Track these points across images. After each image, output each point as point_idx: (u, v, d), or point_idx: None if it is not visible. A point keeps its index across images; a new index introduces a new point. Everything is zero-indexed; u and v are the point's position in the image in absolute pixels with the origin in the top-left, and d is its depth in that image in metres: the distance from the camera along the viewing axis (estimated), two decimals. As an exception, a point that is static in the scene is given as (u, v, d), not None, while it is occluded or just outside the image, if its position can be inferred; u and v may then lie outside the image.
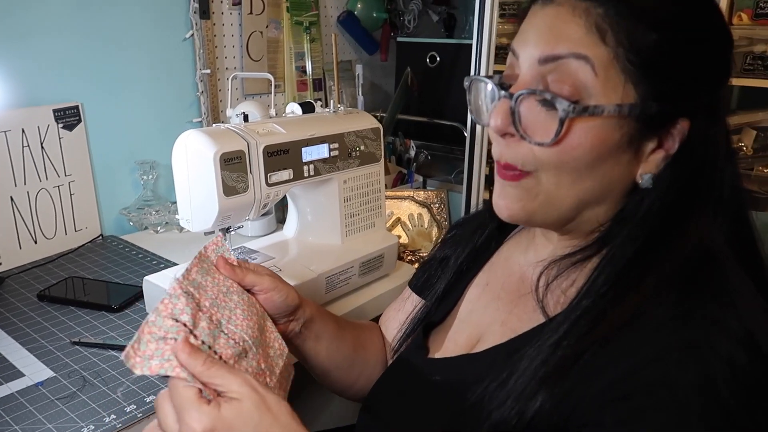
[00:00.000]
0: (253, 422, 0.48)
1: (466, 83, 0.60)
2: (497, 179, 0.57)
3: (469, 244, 0.73)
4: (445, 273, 0.73)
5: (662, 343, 0.47)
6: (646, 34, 0.49)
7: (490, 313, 0.65)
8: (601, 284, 0.52)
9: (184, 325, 0.54)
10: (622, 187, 0.55)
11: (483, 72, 1.27)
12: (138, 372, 0.50)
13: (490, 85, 0.56)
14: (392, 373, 0.72)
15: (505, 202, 0.56)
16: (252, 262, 0.98)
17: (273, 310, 0.67)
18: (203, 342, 0.54)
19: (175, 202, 1.38)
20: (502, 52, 1.74)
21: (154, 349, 0.51)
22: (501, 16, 1.77)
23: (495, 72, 1.33)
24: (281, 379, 0.63)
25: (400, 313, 0.80)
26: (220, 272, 0.64)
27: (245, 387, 0.49)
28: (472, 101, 0.60)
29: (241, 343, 0.56)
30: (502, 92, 0.53)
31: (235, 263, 0.66)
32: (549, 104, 0.51)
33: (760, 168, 1.45)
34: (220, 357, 0.54)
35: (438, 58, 1.77)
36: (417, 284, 0.81)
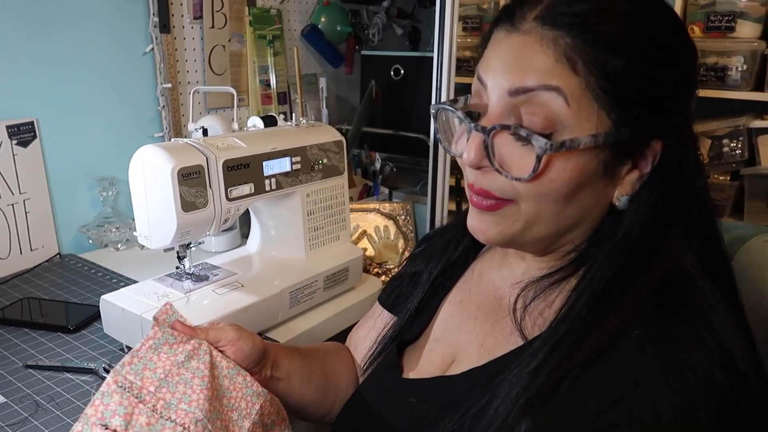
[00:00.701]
0: None
1: (432, 111, 0.59)
2: (471, 206, 0.56)
3: (442, 259, 0.71)
4: (418, 289, 0.72)
5: (644, 367, 0.47)
6: (615, 61, 0.49)
7: (465, 333, 0.63)
8: (581, 306, 0.51)
9: (114, 431, 0.51)
10: (600, 210, 0.55)
11: (445, 85, 1.29)
12: None
13: (459, 117, 0.54)
14: (364, 392, 0.70)
15: (482, 227, 0.56)
16: (213, 278, 0.97)
17: (244, 360, 0.65)
18: None
19: (136, 219, 1.36)
20: (464, 65, 1.77)
21: None
22: (463, 29, 1.81)
23: (456, 84, 1.35)
24: (269, 418, 0.63)
25: (372, 331, 0.78)
26: (179, 336, 0.61)
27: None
28: (439, 129, 0.59)
29: (191, 426, 0.54)
30: (473, 125, 0.52)
31: (191, 326, 0.64)
32: (524, 140, 0.50)
33: (716, 176, 1.49)
34: None
35: (402, 71, 1.78)
36: (388, 301, 0.79)
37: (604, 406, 0.46)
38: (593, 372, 0.48)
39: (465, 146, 0.53)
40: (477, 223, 0.56)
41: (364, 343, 0.79)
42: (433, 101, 1.34)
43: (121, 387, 0.53)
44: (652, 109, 0.51)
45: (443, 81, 1.28)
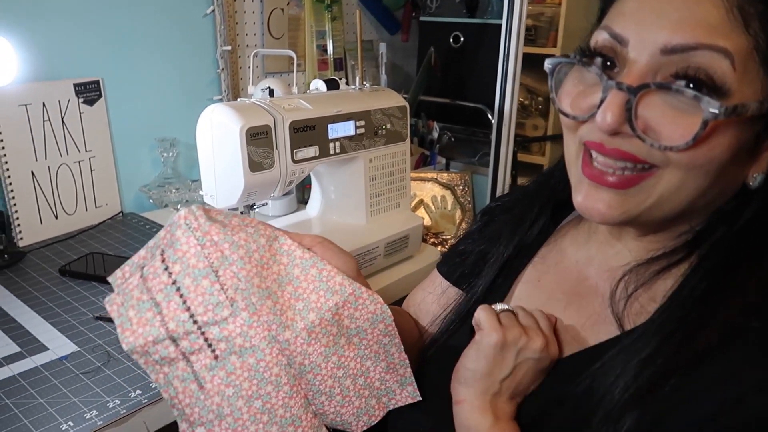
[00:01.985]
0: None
1: (548, 65, 0.50)
2: (588, 179, 0.48)
3: (514, 239, 0.65)
4: (488, 269, 0.66)
5: (766, 367, 0.42)
6: None
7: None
8: (697, 293, 0.46)
9: (163, 261, 0.50)
10: (733, 188, 0.48)
11: (513, 54, 1.24)
12: (116, 290, 0.50)
13: (594, 71, 0.46)
14: (438, 372, 0.63)
15: (599, 206, 0.47)
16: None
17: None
18: (174, 282, 0.49)
19: (196, 180, 1.37)
20: (526, 34, 1.70)
21: (126, 282, 0.50)
22: (529, -5, 1.74)
23: (525, 54, 1.30)
24: (353, 323, 0.56)
25: (435, 305, 0.73)
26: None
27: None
28: (555, 87, 0.51)
29: (229, 290, 0.50)
30: (613, 83, 0.44)
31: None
32: (686, 102, 0.42)
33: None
34: (187, 305, 0.50)
35: (462, 38, 1.73)
36: (453, 275, 0.73)
37: (720, 408, 0.42)
38: (707, 367, 0.44)
39: (594, 104, 0.45)
40: (593, 202, 0.48)
41: (426, 316, 0.75)
42: (500, 71, 1.29)
43: (187, 225, 0.51)
44: None
45: (511, 50, 1.23)
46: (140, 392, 0.71)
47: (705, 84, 0.42)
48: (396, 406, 0.60)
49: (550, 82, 0.51)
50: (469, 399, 0.54)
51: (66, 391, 0.71)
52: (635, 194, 0.46)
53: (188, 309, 0.50)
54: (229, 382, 0.51)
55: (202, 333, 0.50)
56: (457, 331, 0.65)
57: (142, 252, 0.52)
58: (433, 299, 0.74)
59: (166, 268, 0.50)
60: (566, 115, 0.49)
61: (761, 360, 0.43)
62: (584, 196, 0.49)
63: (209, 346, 0.50)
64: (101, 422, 0.66)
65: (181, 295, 0.50)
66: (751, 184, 0.47)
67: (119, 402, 0.69)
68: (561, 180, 0.60)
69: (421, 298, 0.77)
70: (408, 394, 0.60)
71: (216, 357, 0.50)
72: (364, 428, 0.58)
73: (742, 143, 0.44)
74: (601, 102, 0.45)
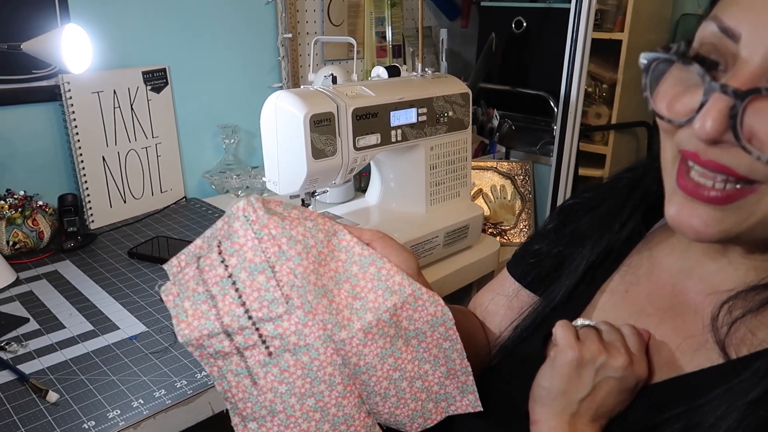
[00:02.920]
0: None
1: (643, 60, 0.45)
2: (684, 190, 0.43)
3: (601, 243, 0.59)
4: (569, 275, 0.60)
5: None
6: None
7: None
8: None
9: (219, 253, 0.49)
10: None
11: (581, 40, 1.19)
12: (171, 278, 0.50)
13: (696, 71, 0.41)
14: (508, 378, 0.61)
15: (696, 223, 0.42)
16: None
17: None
18: (230, 275, 0.49)
19: (256, 167, 1.39)
20: (594, 19, 1.64)
21: (182, 272, 0.49)
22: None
23: (592, 40, 1.24)
24: (413, 325, 0.54)
25: (506, 308, 0.68)
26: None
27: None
28: (650, 85, 0.45)
29: (285, 287, 0.49)
30: (717, 86, 0.39)
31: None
32: None
33: None
34: (242, 300, 0.49)
35: (524, 24, 1.68)
36: (526, 278, 0.68)
37: None
38: None
39: (693, 107, 0.41)
40: (687, 217, 0.43)
41: (495, 318, 0.70)
42: (567, 58, 1.24)
43: (245, 217, 0.50)
44: None
45: (579, 35, 1.18)
46: (205, 374, 0.72)
47: None
48: (456, 413, 0.58)
49: (644, 79, 0.45)
50: (545, 419, 0.51)
51: (136, 370, 0.73)
52: (735, 211, 0.42)
53: (243, 304, 0.49)
54: (282, 379, 0.50)
55: (257, 329, 0.49)
56: (529, 338, 0.61)
57: (198, 241, 0.51)
58: (503, 302, 0.69)
59: (222, 261, 0.50)
60: (661, 117, 0.44)
61: None
62: (678, 209, 0.44)
63: (263, 342, 0.50)
64: (169, 401, 0.68)
65: (237, 290, 0.49)
66: None
67: (186, 383, 0.71)
68: (656, 180, 0.53)
69: (490, 300, 0.72)
70: (469, 402, 0.57)
71: (270, 354, 0.50)
72: (419, 430, 0.57)
73: None
74: (702, 106, 0.40)
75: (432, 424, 0.57)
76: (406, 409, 0.55)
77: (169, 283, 0.51)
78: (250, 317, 0.49)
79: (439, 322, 0.54)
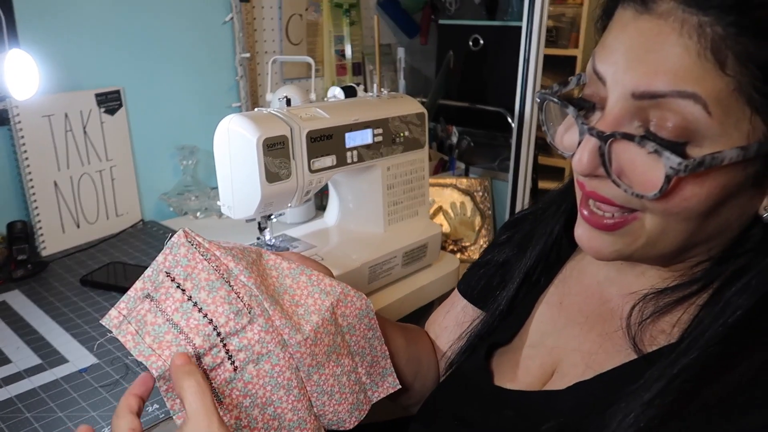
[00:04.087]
0: None
1: (537, 100, 0.50)
2: (582, 217, 0.49)
3: (535, 249, 0.63)
4: (509, 284, 0.64)
5: None
6: None
7: (568, 340, 0.57)
8: (711, 334, 0.43)
9: (173, 280, 0.50)
10: (740, 223, 0.47)
11: (533, 57, 1.22)
12: (114, 331, 0.50)
13: (571, 113, 0.46)
14: (451, 392, 0.64)
15: (594, 245, 0.48)
16: (293, 250, 0.96)
17: None
18: (190, 298, 0.51)
19: (215, 188, 1.37)
20: (548, 36, 1.68)
21: (135, 310, 0.50)
22: (549, -3, 1.71)
23: (546, 56, 1.27)
24: (345, 321, 0.59)
25: (454, 323, 0.72)
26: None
27: (197, 405, 0.47)
28: (545, 121, 0.51)
29: (244, 297, 0.52)
30: (586, 128, 0.44)
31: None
32: (653, 154, 0.42)
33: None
34: (209, 318, 0.51)
35: (481, 41, 1.71)
36: (472, 293, 0.72)
37: None
38: (728, 412, 0.41)
39: (573, 144, 0.45)
40: (588, 241, 0.49)
41: (444, 334, 0.74)
42: (520, 74, 1.27)
43: (189, 242, 0.52)
44: None
45: (531, 52, 1.21)
46: (157, 407, 0.71)
47: (673, 134, 0.41)
48: (379, 398, 0.63)
49: (540, 115, 0.50)
50: None
51: (85, 405, 0.71)
52: (623, 235, 0.47)
53: (211, 321, 0.50)
54: (246, 392, 0.52)
55: (224, 345, 0.51)
56: (474, 353, 0.64)
57: (138, 284, 0.52)
58: (451, 318, 0.73)
59: (178, 286, 0.51)
60: (555, 148, 0.49)
61: None
62: (580, 233, 0.50)
63: (229, 358, 0.51)
64: (119, 437, 0.66)
65: (200, 309, 0.50)
66: (764, 215, 0.45)
67: (137, 416, 0.69)
68: None
69: (442, 317, 0.76)
70: (389, 384, 0.64)
71: (235, 369, 0.52)
72: (356, 423, 0.61)
73: (730, 188, 0.42)
74: (579, 143, 0.45)
75: (364, 415, 0.62)
76: (346, 404, 0.59)
77: (124, 322, 0.51)
78: (218, 333, 0.51)
79: (364, 314, 0.61)
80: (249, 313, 0.52)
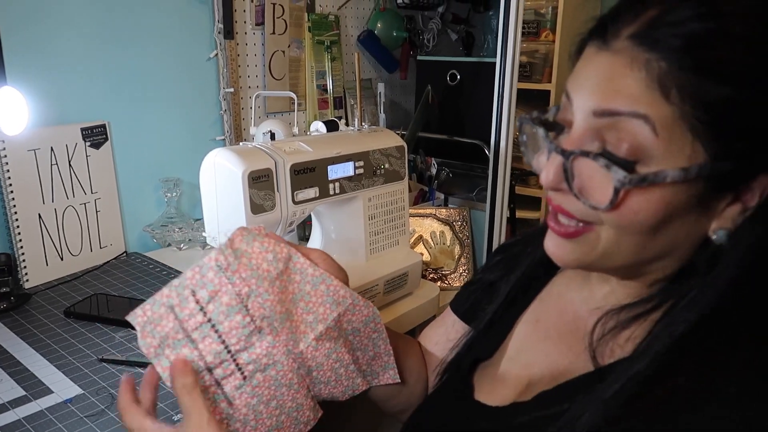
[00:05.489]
0: None
1: (517, 123, 0.56)
2: (550, 229, 0.54)
3: (518, 270, 0.68)
4: (494, 302, 0.69)
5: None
6: (718, 90, 0.44)
7: (540, 355, 0.61)
8: (657, 349, 0.48)
9: (197, 302, 0.55)
10: (690, 242, 0.51)
11: (507, 91, 1.27)
12: (138, 329, 0.54)
13: (541, 134, 0.52)
14: (436, 407, 0.68)
15: (558, 252, 0.54)
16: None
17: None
18: (210, 320, 0.55)
19: (198, 219, 1.40)
20: (521, 71, 1.75)
21: (159, 315, 0.55)
22: (521, 34, 1.79)
23: (520, 90, 1.33)
24: (350, 325, 0.65)
25: (445, 339, 0.76)
26: (267, 238, 0.62)
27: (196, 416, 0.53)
28: (524, 142, 0.56)
29: (257, 320, 0.57)
30: (553, 146, 0.50)
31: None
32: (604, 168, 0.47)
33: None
34: (222, 339, 0.56)
35: (458, 76, 1.78)
36: (461, 309, 0.77)
37: None
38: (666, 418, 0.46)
39: (544, 163, 0.51)
40: (553, 248, 0.54)
41: (435, 349, 0.78)
42: (495, 107, 1.33)
43: (218, 266, 0.56)
44: (759, 141, 0.45)
45: (505, 87, 1.26)
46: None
47: (626, 152, 0.46)
48: (378, 384, 0.70)
49: (521, 137, 0.56)
50: None
51: (70, 435, 0.71)
52: (581, 244, 0.52)
53: (223, 342, 0.56)
54: (254, 394, 0.58)
55: (234, 360, 0.57)
56: (459, 367, 0.68)
57: (165, 290, 0.56)
58: (443, 334, 0.77)
59: (201, 309, 0.56)
60: (531, 167, 0.55)
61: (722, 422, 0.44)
62: (548, 241, 0.55)
63: (239, 369, 0.57)
64: (105, 466, 0.66)
65: (216, 331, 0.56)
66: (713, 238, 0.49)
67: (122, 445, 0.70)
68: None
69: (434, 332, 0.81)
70: (390, 376, 0.70)
71: (244, 377, 0.57)
72: (348, 398, 0.68)
73: (675, 206, 0.47)
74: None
75: (359, 392, 0.69)
76: (341, 386, 0.66)
77: (147, 337, 0.56)
78: (229, 351, 0.57)
79: (370, 320, 0.67)
80: (259, 333, 0.57)
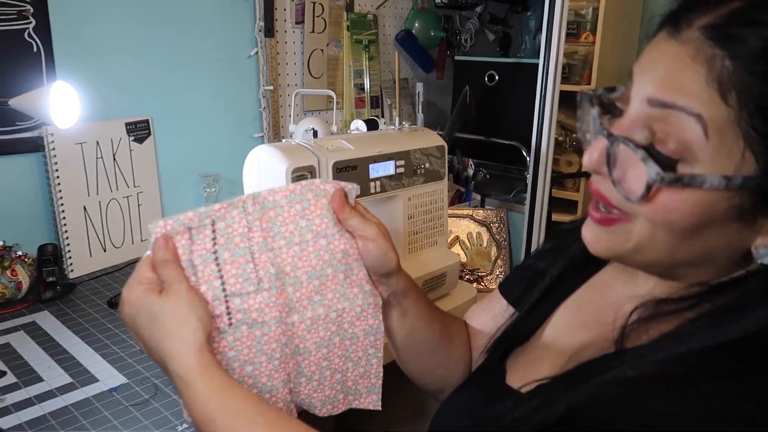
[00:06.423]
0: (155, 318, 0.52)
1: (578, 98, 0.54)
2: (589, 215, 0.53)
3: (566, 257, 0.67)
4: (538, 287, 0.68)
5: None
6: None
7: (575, 343, 0.60)
8: (669, 356, 0.46)
9: (213, 231, 0.55)
10: (730, 253, 0.48)
11: (550, 92, 1.26)
12: (152, 238, 0.54)
13: (594, 114, 0.51)
14: (469, 389, 0.68)
15: (592, 240, 0.53)
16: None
17: (365, 262, 0.63)
18: (215, 252, 0.55)
19: (236, 215, 1.41)
20: (562, 72, 1.73)
21: (176, 232, 0.54)
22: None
23: (560, 92, 1.31)
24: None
25: (492, 321, 0.75)
26: (316, 206, 0.61)
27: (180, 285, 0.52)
28: (578, 116, 0.55)
29: (260, 272, 0.56)
30: (600, 128, 0.49)
31: (352, 204, 0.64)
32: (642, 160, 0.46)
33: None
34: (220, 274, 0.55)
35: (496, 77, 1.76)
36: (513, 294, 0.75)
37: None
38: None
39: (590, 145, 0.51)
40: (588, 235, 0.53)
41: (482, 330, 0.77)
42: (537, 109, 1.31)
43: (243, 207, 0.57)
44: None
45: (548, 88, 1.25)
46: (186, 426, 0.72)
47: (671, 149, 0.44)
48: (359, 407, 0.67)
49: (578, 111, 0.54)
50: None
51: (116, 423, 0.73)
52: (614, 234, 0.50)
53: (221, 277, 0.56)
54: (233, 346, 0.56)
55: (226, 301, 0.56)
56: (495, 350, 0.68)
57: (189, 213, 0.56)
58: (489, 317, 0.76)
59: (213, 238, 0.56)
60: (583, 143, 0.53)
61: None
62: (585, 227, 0.54)
63: (228, 313, 0.56)
64: (150, 455, 0.68)
65: (218, 264, 0.55)
66: (754, 253, 0.47)
67: (167, 435, 0.71)
68: None
69: (479, 313, 0.79)
70: (371, 401, 0.68)
71: (230, 324, 0.56)
72: (326, 415, 0.65)
73: (713, 213, 0.45)
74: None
75: (338, 412, 0.66)
76: (321, 394, 0.64)
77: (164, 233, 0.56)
78: (224, 290, 0.56)
79: (372, 332, 0.65)
80: (257, 284, 0.56)
